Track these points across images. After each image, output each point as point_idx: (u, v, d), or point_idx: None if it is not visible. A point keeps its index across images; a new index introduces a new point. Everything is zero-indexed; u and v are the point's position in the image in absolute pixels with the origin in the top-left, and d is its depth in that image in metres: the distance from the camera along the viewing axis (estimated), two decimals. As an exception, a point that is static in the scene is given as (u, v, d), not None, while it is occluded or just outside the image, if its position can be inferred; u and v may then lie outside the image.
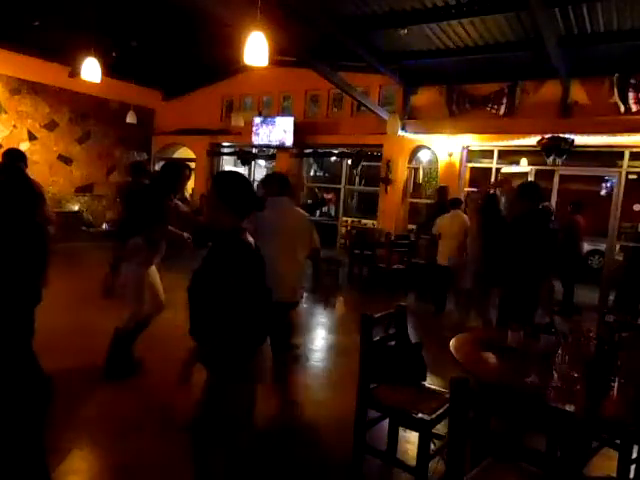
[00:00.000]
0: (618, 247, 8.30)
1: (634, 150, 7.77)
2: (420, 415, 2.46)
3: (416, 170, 10.08)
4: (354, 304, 7.07)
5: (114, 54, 9.11)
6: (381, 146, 9.92)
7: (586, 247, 10.84)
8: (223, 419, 2.02)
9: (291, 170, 10.74)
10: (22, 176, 4.05)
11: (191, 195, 12.61)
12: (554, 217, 7.42)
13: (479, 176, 9.38)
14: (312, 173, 13.43)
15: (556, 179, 8.26)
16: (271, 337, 2.44)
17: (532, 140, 8.11)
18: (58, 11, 8.19)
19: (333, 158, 11.84)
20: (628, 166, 7.90)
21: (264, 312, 2.05)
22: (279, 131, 10.79)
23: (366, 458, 2.75)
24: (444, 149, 9.28)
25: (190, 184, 13.24)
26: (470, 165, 9.38)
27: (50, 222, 4.62)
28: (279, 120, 10.89)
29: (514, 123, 8.36)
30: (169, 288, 4.19)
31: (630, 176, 8.14)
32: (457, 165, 9.23)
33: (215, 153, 12.78)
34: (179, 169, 4.05)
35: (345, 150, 10.76)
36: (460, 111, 9.01)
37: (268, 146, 11.25)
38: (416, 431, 2.58)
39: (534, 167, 8.34)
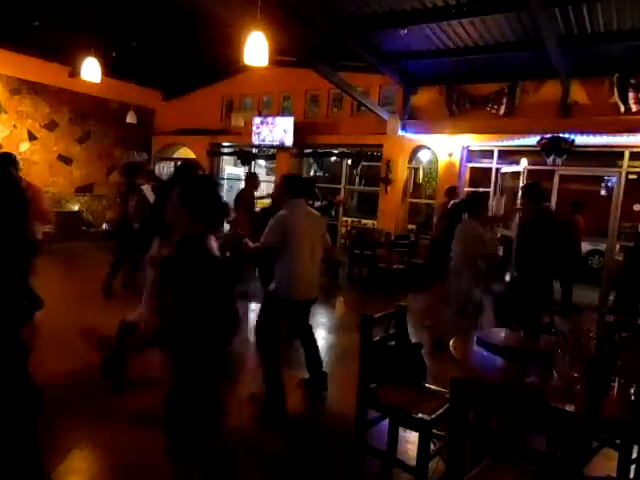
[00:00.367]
0: (618, 247, 8.30)
1: (634, 150, 7.76)
2: (420, 415, 2.46)
3: (416, 170, 10.08)
4: (354, 304, 7.07)
5: (114, 54, 9.11)
6: (381, 146, 9.91)
7: (586, 247, 10.86)
8: (190, 406, 2.11)
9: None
10: (9, 182, 4.06)
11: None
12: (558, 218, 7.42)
13: (479, 176, 9.38)
14: (312, 173, 13.41)
15: (556, 179, 8.25)
16: (299, 332, 2.58)
17: (532, 140, 8.10)
18: (58, 11, 8.19)
19: (333, 158, 11.83)
20: (628, 166, 7.89)
21: (225, 313, 2.08)
22: (279, 131, 10.79)
23: (366, 458, 2.75)
24: (444, 149, 9.28)
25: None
26: (470, 165, 9.38)
27: (48, 222, 4.64)
28: (279, 120, 10.89)
29: (514, 123, 8.36)
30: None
31: (630, 176, 8.13)
32: (457, 165, 9.23)
33: (215, 153, 12.77)
34: (193, 170, 4.07)
35: (345, 150, 10.75)
36: (460, 111, 9.01)
37: (268, 146, 11.25)
38: (416, 431, 2.58)
39: (527, 167, 8.34)
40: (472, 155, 9.39)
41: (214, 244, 2.10)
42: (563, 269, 6.92)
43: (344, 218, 11.16)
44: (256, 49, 4.50)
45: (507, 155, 9.04)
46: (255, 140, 11.16)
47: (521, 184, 8.14)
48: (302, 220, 3.54)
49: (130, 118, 11.14)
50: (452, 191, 7.71)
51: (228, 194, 13.00)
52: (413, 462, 2.61)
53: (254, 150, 11.85)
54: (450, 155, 9.22)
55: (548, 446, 2.59)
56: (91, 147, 11.97)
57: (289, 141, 10.69)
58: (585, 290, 7.88)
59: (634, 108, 7.45)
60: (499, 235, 7.88)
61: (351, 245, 8.90)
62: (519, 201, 7.82)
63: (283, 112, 11.51)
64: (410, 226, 9.86)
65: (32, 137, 10.84)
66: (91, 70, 6.19)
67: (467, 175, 9.39)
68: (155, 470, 2.71)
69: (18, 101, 10.54)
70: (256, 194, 7.27)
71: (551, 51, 6.78)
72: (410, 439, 3.09)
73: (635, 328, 2.80)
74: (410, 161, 9.98)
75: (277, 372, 3.52)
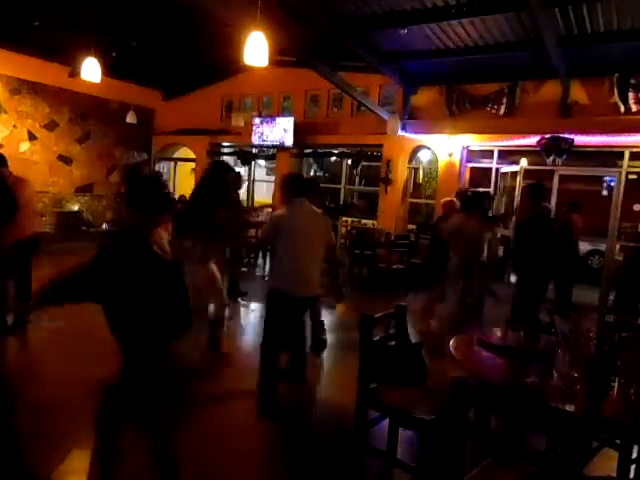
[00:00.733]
0: (618, 247, 8.29)
1: (634, 150, 7.76)
2: (420, 415, 2.46)
3: (416, 170, 10.08)
4: (354, 304, 7.06)
5: (114, 54, 9.11)
6: (381, 146, 9.91)
7: (586, 247, 10.86)
8: (133, 400, 2.14)
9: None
10: None
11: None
12: (553, 217, 7.42)
13: (479, 176, 9.38)
14: (312, 173, 13.41)
15: (556, 179, 8.25)
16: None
17: (532, 140, 8.10)
18: (58, 11, 8.19)
19: (333, 158, 11.83)
20: (628, 166, 7.89)
21: (167, 308, 2.11)
22: (279, 131, 10.79)
23: (366, 458, 2.75)
24: (444, 149, 9.28)
25: (190, 184, 13.26)
26: (470, 165, 9.38)
27: (33, 210, 4.73)
28: (279, 120, 10.89)
29: (514, 123, 8.36)
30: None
31: (630, 176, 8.13)
32: (457, 165, 9.23)
33: (215, 153, 12.77)
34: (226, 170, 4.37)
35: (345, 150, 10.75)
36: (460, 111, 9.01)
37: (268, 146, 11.25)
38: (416, 431, 2.58)
39: (524, 167, 8.35)
40: (472, 155, 9.39)
41: (161, 237, 2.13)
42: (561, 269, 6.92)
43: (344, 218, 11.15)
44: (256, 49, 4.50)
45: (507, 155, 9.04)
46: (255, 140, 11.16)
47: (518, 184, 8.16)
48: (300, 218, 3.59)
49: (130, 118, 11.14)
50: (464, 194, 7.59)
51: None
52: (413, 462, 2.61)
53: (254, 150, 11.85)
54: (450, 155, 9.22)
55: (548, 446, 2.59)
56: (91, 147, 11.96)
57: (289, 141, 10.69)
58: (585, 290, 7.88)
59: (634, 108, 7.45)
60: (499, 235, 7.88)
61: (351, 245, 8.90)
62: (516, 200, 7.86)
63: (283, 112, 11.51)
64: (410, 226, 9.86)
65: (32, 137, 10.84)
66: (91, 70, 6.18)
67: (467, 175, 9.39)
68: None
69: (18, 101, 10.53)
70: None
71: (551, 51, 6.78)
72: (410, 439, 3.09)
73: (635, 328, 2.80)
74: (410, 161, 9.98)
75: (273, 375, 3.60)
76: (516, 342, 2.43)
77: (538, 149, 8.11)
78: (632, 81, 7.42)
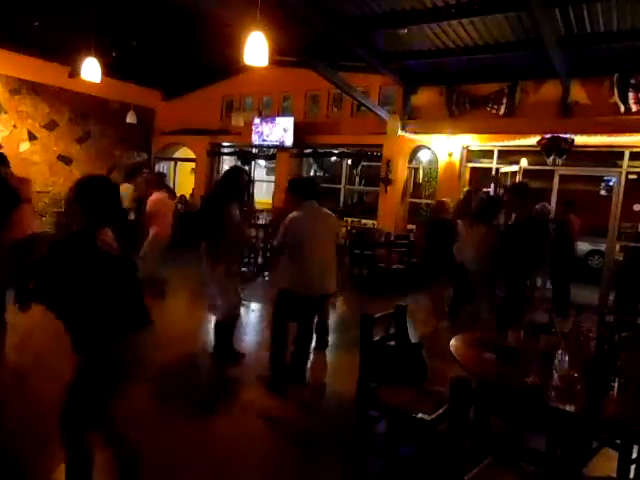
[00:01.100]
0: (618, 247, 8.30)
1: (634, 150, 7.76)
2: (420, 415, 2.46)
3: (416, 170, 10.07)
4: (354, 304, 7.07)
5: (114, 54, 9.10)
6: (381, 146, 9.91)
7: (586, 247, 10.87)
8: (90, 398, 2.17)
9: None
10: None
11: (191, 195, 12.62)
12: (552, 217, 7.43)
13: (479, 176, 9.38)
14: (312, 173, 13.41)
15: (556, 179, 8.26)
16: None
17: (532, 140, 8.10)
18: (58, 11, 8.18)
19: (333, 158, 11.83)
20: (628, 166, 7.89)
21: (119, 302, 2.15)
22: (279, 131, 10.78)
23: (366, 458, 2.75)
24: (444, 149, 9.28)
25: (190, 184, 13.27)
26: (470, 165, 9.38)
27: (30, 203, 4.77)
28: (279, 120, 10.89)
29: (514, 123, 8.35)
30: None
31: (630, 176, 8.13)
32: (457, 165, 9.23)
33: (215, 153, 12.77)
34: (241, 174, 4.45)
35: (345, 150, 10.75)
36: (460, 111, 9.00)
37: (268, 146, 11.25)
38: (416, 431, 2.58)
39: (522, 167, 8.36)
40: (472, 155, 9.40)
41: (108, 239, 2.18)
42: (558, 268, 6.93)
43: (344, 218, 11.15)
44: (256, 49, 4.50)
45: (507, 155, 9.04)
46: (255, 140, 11.16)
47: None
48: (314, 220, 3.79)
49: (130, 118, 11.13)
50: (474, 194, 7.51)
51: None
52: (413, 462, 2.61)
53: (254, 150, 11.85)
54: (450, 155, 9.22)
55: (548, 446, 2.59)
56: (91, 147, 11.96)
57: (289, 141, 10.68)
58: (585, 290, 7.88)
59: (634, 108, 7.44)
60: None
61: (351, 245, 8.89)
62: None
63: (283, 112, 11.51)
64: (410, 226, 9.85)
65: (32, 137, 10.84)
66: (91, 70, 6.18)
67: (467, 175, 9.39)
68: (156, 470, 2.71)
69: (18, 101, 10.53)
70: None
71: (551, 51, 6.78)
72: (410, 439, 3.09)
73: (635, 328, 2.81)
74: (410, 161, 9.98)
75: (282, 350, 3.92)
76: (516, 342, 2.43)
77: (538, 149, 8.11)
78: (632, 81, 7.42)
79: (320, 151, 11.41)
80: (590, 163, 8.67)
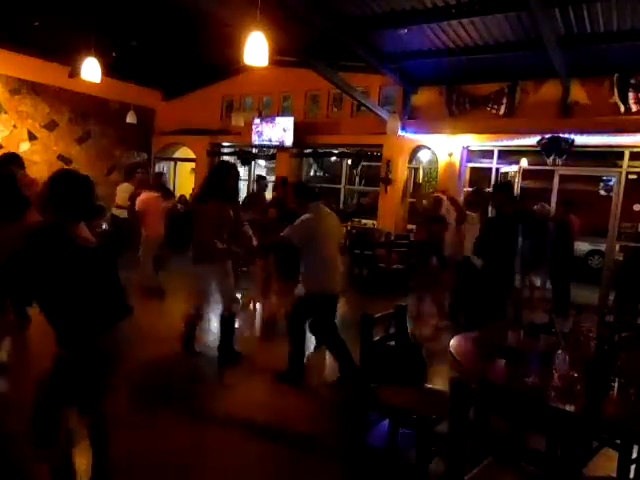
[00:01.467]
0: (618, 247, 8.30)
1: (634, 150, 7.76)
2: (420, 415, 2.46)
3: (416, 170, 10.08)
4: (354, 304, 7.06)
5: (114, 54, 9.10)
6: (381, 146, 9.91)
7: (586, 247, 10.87)
8: (68, 392, 2.19)
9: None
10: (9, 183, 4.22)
11: (191, 195, 12.61)
12: (552, 216, 7.43)
13: (479, 176, 9.38)
14: (312, 173, 13.42)
15: (556, 179, 8.25)
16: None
17: (532, 140, 8.10)
18: (58, 11, 8.18)
19: (333, 158, 11.82)
20: (628, 166, 7.89)
21: (97, 293, 2.18)
22: (279, 131, 10.78)
23: (366, 458, 2.75)
24: (444, 149, 9.28)
25: (190, 184, 13.26)
26: (470, 165, 9.38)
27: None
28: (279, 120, 10.89)
29: (514, 123, 8.35)
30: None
31: (630, 176, 8.13)
32: (457, 165, 9.23)
33: (215, 153, 12.77)
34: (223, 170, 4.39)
35: (345, 150, 10.75)
36: (460, 111, 9.01)
37: (268, 146, 11.25)
38: (416, 431, 2.58)
39: (522, 167, 8.38)
40: (472, 155, 9.40)
41: (84, 232, 2.20)
42: (558, 268, 6.93)
43: (351, 219, 11.14)
44: (256, 49, 4.50)
45: (507, 155, 9.04)
46: (255, 140, 11.16)
47: (517, 184, 8.18)
48: (325, 220, 3.92)
49: (130, 118, 11.13)
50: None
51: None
52: (413, 462, 2.61)
53: (254, 150, 11.85)
54: (450, 155, 9.22)
55: (548, 446, 2.59)
56: (91, 147, 11.96)
57: (289, 141, 10.68)
58: (585, 290, 7.88)
59: (634, 108, 7.44)
60: None
61: (351, 245, 8.89)
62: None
63: (283, 112, 11.51)
64: (410, 226, 9.84)
65: (32, 137, 10.84)
66: (91, 70, 6.19)
67: (467, 175, 9.40)
68: (156, 470, 2.72)
69: (18, 101, 10.53)
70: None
71: (551, 51, 6.78)
72: (410, 439, 3.09)
73: (635, 328, 2.81)
74: (410, 161, 9.98)
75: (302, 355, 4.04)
76: (516, 342, 2.43)
77: (538, 149, 8.11)
78: (632, 81, 7.42)
79: (320, 151, 11.40)
80: (590, 163, 8.67)
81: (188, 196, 12.46)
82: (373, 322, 2.69)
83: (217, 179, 4.19)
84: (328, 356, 4.86)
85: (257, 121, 11.12)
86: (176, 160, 13.83)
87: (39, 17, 8.49)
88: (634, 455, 2.67)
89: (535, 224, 6.85)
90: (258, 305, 6.39)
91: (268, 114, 11.43)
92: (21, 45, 9.91)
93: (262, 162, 13.73)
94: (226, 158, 13.06)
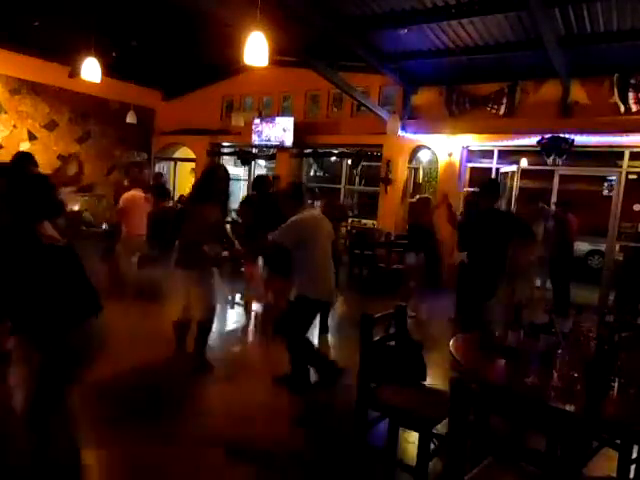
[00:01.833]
0: (618, 247, 8.30)
1: (634, 150, 7.76)
2: (420, 415, 2.46)
3: (416, 170, 10.07)
4: (354, 304, 7.06)
5: (114, 54, 9.11)
6: (381, 146, 9.91)
7: (586, 247, 10.87)
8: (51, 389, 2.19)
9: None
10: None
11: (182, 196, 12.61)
12: (551, 217, 7.43)
13: (479, 176, 9.38)
14: (312, 173, 13.42)
15: (556, 179, 8.25)
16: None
17: (532, 140, 8.10)
18: (58, 11, 8.19)
19: (333, 158, 11.82)
20: (628, 166, 7.89)
21: (64, 291, 2.17)
22: (279, 131, 10.79)
23: (366, 458, 2.75)
24: (444, 149, 9.28)
25: (190, 184, 13.25)
26: (470, 165, 9.38)
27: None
28: (279, 120, 10.89)
29: (514, 123, 8.35)
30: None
31: (630, 176, 8.13)
32: (457, 165, 9.23)
33: (215, 153, 12.77)
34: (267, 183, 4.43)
35: (345, 150, 10.75)
36: (460, 111, 9.01)
37: (268, 146, 11.25)
38: (416, 431, 2.58)
39: (520, 167, 8.39)
40: (472, 155, 9.39)
41: (49, 230, 2.20)
42: (557, 268, 6.93)
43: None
44: (256, 49, 4.50)
45: (507, 155, 9.04)
46: (255, 140, 11.16)
47: (516, 184, 8.18)
48: (317, 223, 3.77)
49: (130, 118, 11.13)
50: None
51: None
52: (413, 462, 2.61)
53: (254, 150, 11.85)
54: (450, 155, 9.22)
55: (548, 446, 2.58)
56: (91, 147, 11.97)
57: (289, 141, 10.68)
58: (585, 290, 7.88)
59: (634, 108, 7.44)
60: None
61: (351, 245, 8.89)
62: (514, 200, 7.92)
63: (283, 112, 11.51)
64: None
65: (32, 137, 10.84)
66: (91, 70, 6.19)
67: (467, 175, 9.39)
68: (155, 470, 2.72)
69: (18, 101, 10.53)
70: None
71: (551, 51, 6.78)
72: (410, 439, 3.09)
73: (635, 328, 2.80)
74: (410, 161, 9.98)
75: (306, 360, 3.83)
76: (516, 342, 2.43)
77: (538, 149, 8.11)
78: (632, 81, 7.42)
79: (320, 151, 11.40)
80: (590, 163, 8.68)
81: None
82: (373, 322, 2.69)
83: (207, 182, 4.02)
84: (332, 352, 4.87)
85: (257, 121, 11.12)
86: (176, 160, 13.83)
87: (39, 17, 8.49)
88: (634, 455, 2.67)
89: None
90: (256, 306, 6.39)
91: (268, 114, 11.43)
92: (21, 45, 9.92)
93: (262, 162, 13.73)
94: (226, 158, 13.09)
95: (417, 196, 7.82)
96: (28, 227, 2.11)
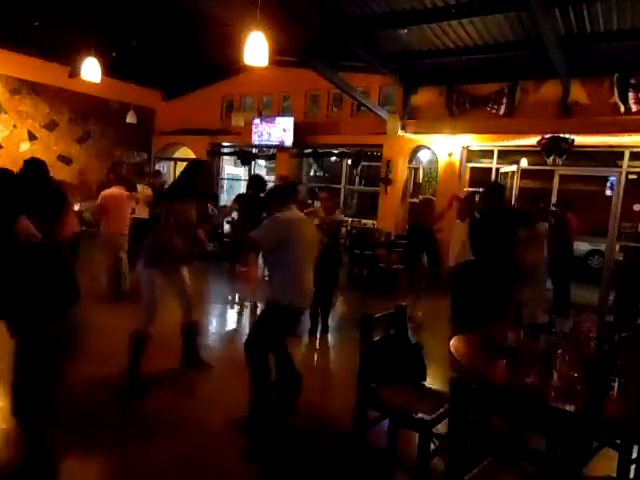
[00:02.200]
0: (618, 247, 8.30)
1: (634, 150, 7.76)
2: (420, 415, 2.46)
3: (416, 170, 10.08)
4: (354, 304, 7.07)
5: (114, 54, 9.11)
6: (381, 146, 9.91)
7: (586, 247, 10.87)
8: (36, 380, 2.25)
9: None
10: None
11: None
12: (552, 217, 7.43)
13: (479, 176, 9.38)
14: (312, 173, 13.42)
15: (556, 179, 8.26)
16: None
17: (532, 140, 8.10)
18: (58, 11, 8.19)
19: (333, 158, 11.83)
20: (628, 166, 7.89)
21: (43, 283, 2.23)
22: (279, 131, 10.79)
23: (366, 458, 2.75)
24: (444, 149, 9.28)
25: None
26: (470, 165, 9.38)
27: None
28: (279, 120, 10.89)
29: (514, 123, 8.36)
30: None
31: (630, 176, 8.13)
32: (457, 165, 9.23)
33: (215, 153, 12.78)
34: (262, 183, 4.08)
35: (345, 150, 10.75)
36: (460, 111, 9.01)
37: (268, 146, 11.25)
38: (416, 431, 2.58)
39: (520, 167, 8.40)
40: (472, 155, 9.39)
41: (24, 228, 2.23)
42: (557, 268, 6.92)
43: (344, 218, 11.14)
44: (256, 49, 4.50)
45: (507, 155, 9.04)
46: (255, 140, 11.16)
47: (515, 184, 8.18)
48: (298, 223, 3.38)
49: (130, 118, 11.14)
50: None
51: (228, 194, 13.02)
52: (413, 462, 2.61)
53: (254, 150, 11.86)
54: (450, 155, 9.22)
55: (548, 446, 2.58)
56: (91, 147, 11.97)
57: (289, 141, 10.69)
58: (585, 290, 7.88)
59: (634, 108, 7.45)
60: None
61: (351, 245, 8.89)
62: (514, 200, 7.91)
63: (283, 112, 11.52)
64: (410, 226, 9.85)
65: (32, 137, 10.85)
66: (91, 70, 6.19)
67: (467, 175, 9.39)
68: (155, 470, 2.72)
69: (18, 101, 10.54)
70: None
71: (551, 51, 6.78)
72: (410, 439, 3.09)
73: (635, 328, 2.80)
74: (410, 161, 9.98)
75: (267, 392, 3.26)
76: (516, 342, 2.43)
77: (538, 149, 8.11)
78: (632, 81, 7.42)
79: (320, 151, 11.41)
80: (590, 163, 8.68)
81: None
82: (373, 322, 2.69)
83: (188, 178, 3.82)
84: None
85: (257, 121, 11.13)
86: (176, 160, 13.83)
87: (39, 17, 8.50)
88: (634, 455, 2.67)
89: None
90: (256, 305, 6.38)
91: (268, 114, 11.44)
92: (21, 45, 9.93)
93: (262, 162, 13.75)
94: (226, 158, 13.10)
95: (420, 196, 7.82)
96: (4, 228, 2.17)
